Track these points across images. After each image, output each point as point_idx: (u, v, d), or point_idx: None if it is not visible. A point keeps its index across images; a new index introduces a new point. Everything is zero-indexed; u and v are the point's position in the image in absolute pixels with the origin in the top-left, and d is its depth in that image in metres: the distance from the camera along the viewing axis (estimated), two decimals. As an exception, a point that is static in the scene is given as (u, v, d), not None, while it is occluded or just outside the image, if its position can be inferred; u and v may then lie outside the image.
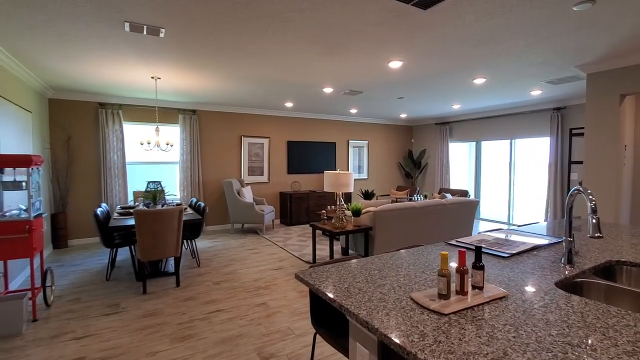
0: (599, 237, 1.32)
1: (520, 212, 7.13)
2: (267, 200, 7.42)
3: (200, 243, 5.71)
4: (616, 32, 2.91)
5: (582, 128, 5.88)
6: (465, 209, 4.75)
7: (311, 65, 3.91)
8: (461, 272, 1.18)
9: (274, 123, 7.41)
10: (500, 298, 1.21)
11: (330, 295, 1.25)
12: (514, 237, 2.09)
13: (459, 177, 8.42)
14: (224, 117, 6.82)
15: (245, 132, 7.04)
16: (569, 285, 1.42)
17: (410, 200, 6.79)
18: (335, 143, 8.22)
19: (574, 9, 2.42)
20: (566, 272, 1.47)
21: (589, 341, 0.91)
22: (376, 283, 1.36)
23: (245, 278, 3.96)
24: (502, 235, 2.15)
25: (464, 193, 6.25)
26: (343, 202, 3.94)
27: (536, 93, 5.48)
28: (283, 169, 7.57)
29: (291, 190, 7.62)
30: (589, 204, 1.36)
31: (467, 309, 1.12)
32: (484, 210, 7.87)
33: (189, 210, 4.69)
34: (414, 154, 9.43)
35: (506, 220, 7.33)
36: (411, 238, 4.35)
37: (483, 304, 1.16)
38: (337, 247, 5.23)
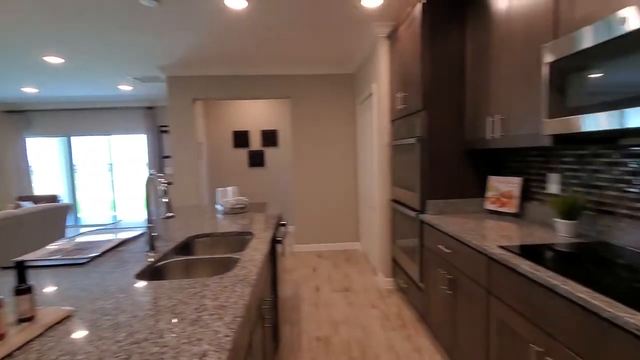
0: (171, 217, 1.37)
1: (126, 210, 7.01)
2: None
3: None
4: (181, 42, 3.40)
5: (168, 126, 6.67)
6: (52, 217, 3.85)
7: None
8: (-17, 310, 0.75)
9: None
10: (62, 320, 0.91)
11: None
12: (101, 237, 1.84)
13: (50, 180, 6.85)
14: None
15: None
16: (152, 272, 1.39)
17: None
18: None
19: (142, 2, 2.49)
20: (149, 260, 1.43)
21: (158, 327, 0.85)
22: None
23: None
24: (87, 238, 1.82)
25: (53, 198, 5.13)
26: None
27: (127, 88, 5.47)
28: None
29: None
30: (159, 187, 1.38)
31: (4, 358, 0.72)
32: (87, 214, 6.97)
33: None
34: (-33, 152, 6.48)
35: (111, 221, 6.93)
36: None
37: (34, 339, 0.81)
38: None
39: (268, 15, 2.80)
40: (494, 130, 1.95)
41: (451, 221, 2.09)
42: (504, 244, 1.56)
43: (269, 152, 5.77)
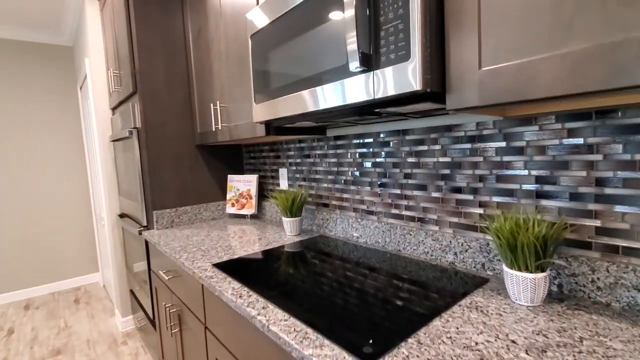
0: None
1: None
2: None
3: None
4: None
5: None
6: None
7: None
8: None
9: None
10: None
11: None
12: None
13: None
14: None
15: None
16: None
17: None
18: None
19: None
20: None
21: None
22: None
23: None
24: None
25: None
26: None
27: None
28: None
29: None
30: None
31: None
32: None
33: None
34: None
35: None
36: None
37: None
38: None
39: None
40: (218, 121, 1.64)
41: (178, 235, 1.64)
42: (224, 258, 1.24)
43: None
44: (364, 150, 1.34)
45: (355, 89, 0.80)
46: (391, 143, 1.23)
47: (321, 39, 0.88)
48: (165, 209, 1.84)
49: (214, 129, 1.64)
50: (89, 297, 3.15)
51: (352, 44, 0.75)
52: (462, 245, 1.03)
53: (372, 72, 0.76)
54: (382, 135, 1.26)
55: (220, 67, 1.59)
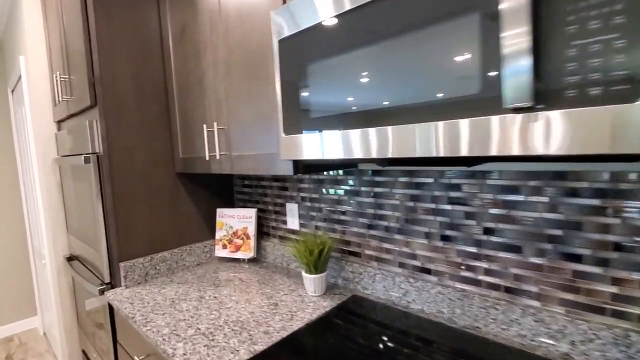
0: None
1: None
2: None
3: None
4: None
5: None
6: None
7: None
8: None
9: None
10: None
11: None
12: None
13: None
14: None
15: None
16: None
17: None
18: None
19: None
20: None
21: None
22: None
23: None
24: None
25: None
26: None
27: None
28: None
29: None
30: None
31: None
32: None
33: None
34: None
35: None
36: None
37: None
38: None
39: None
40: (214, 147, 1.26)
41: (159, 299, 1.23)
42: (240, 352, 0.87)
43: None
44: (418, 192, 1.04)
45: (502, 135, 0.50)
46: (463, 187, 0.95)
47: (430, 48, 0.58)
48: (136, 258, 1.41)
49: (207, 157, 1.25)
50: (25, 351, 2.53)
51: (517, 65, 0.45)
52: (584, 333, 0.77)
53: (543, 112, 0.47)
54: (447, 175, 0.98)
55: (216, 80, 1.22)
